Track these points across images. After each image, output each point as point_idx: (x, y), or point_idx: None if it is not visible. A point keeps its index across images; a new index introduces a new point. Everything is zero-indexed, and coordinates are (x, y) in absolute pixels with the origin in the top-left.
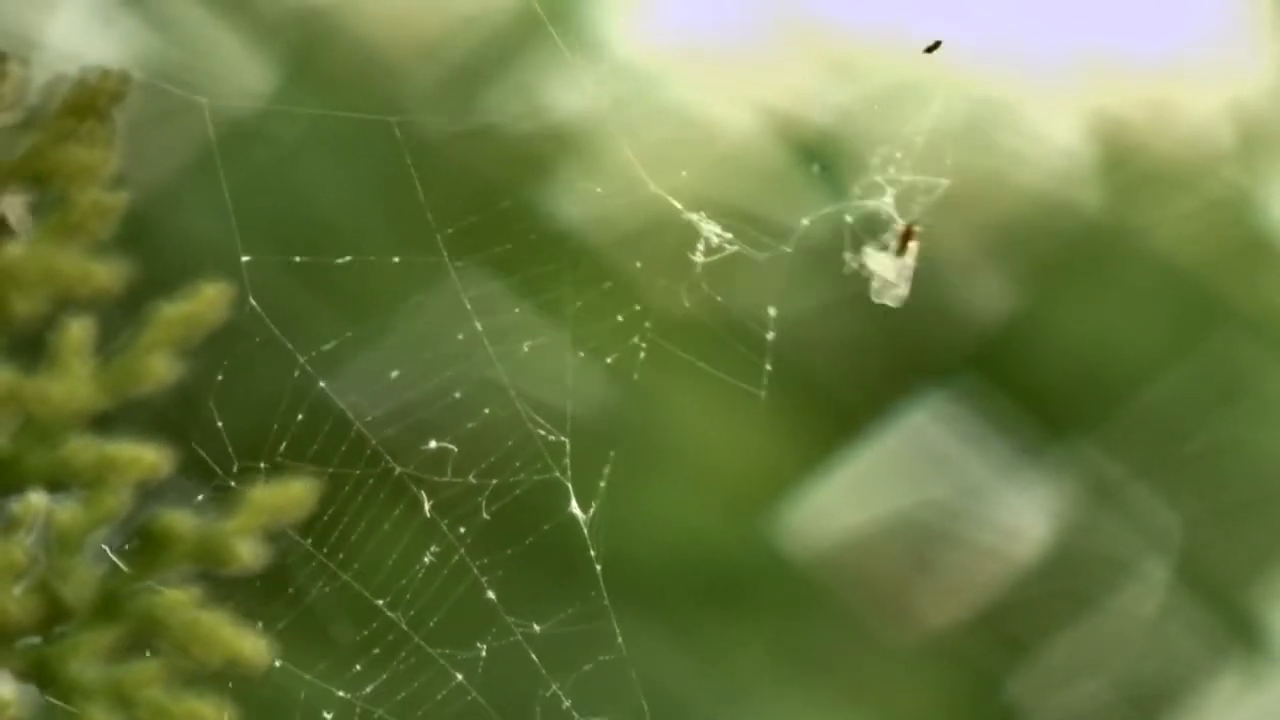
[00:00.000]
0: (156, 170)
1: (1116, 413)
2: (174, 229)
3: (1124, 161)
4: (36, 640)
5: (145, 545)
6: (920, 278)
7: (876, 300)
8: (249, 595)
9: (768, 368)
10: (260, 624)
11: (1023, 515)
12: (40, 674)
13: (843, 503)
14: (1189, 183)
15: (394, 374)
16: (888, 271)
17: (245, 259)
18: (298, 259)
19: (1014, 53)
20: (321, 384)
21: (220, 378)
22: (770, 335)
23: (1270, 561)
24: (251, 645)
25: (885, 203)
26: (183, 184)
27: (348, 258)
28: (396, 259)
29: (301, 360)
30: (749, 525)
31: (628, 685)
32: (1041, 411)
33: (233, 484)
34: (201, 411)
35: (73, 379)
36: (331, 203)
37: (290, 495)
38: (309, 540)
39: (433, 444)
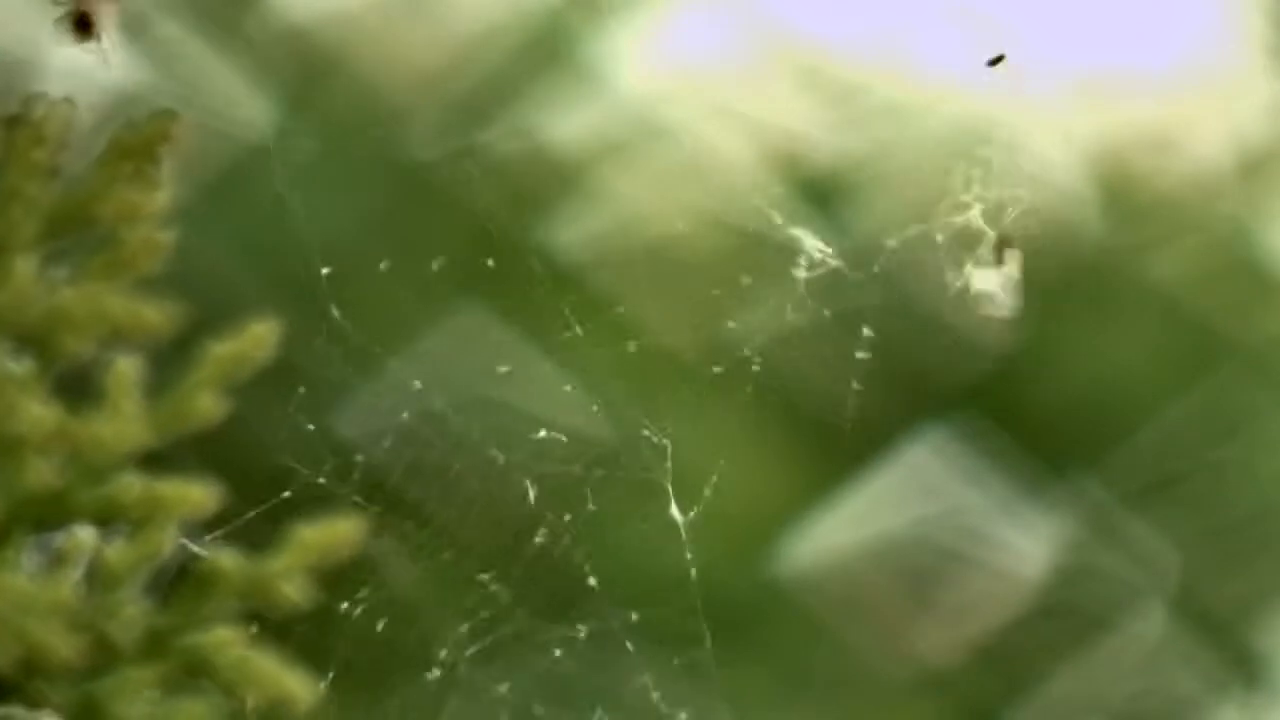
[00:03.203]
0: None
1: (1116, 448)
2: (184, 260)
3: (1124, 193)
4: (82, 679)
5: (191, 584)
6: (920, 311)
7: (983, 314)
8: (342, 569)
9: (855, 386)
10: (366, 589)
11: (1022, 551)
12: (85, 713)
13: (842, 538)
14: (1189, 215)
15: (502, 369)
16: (992, 285)
17: (325, 270)
18: (382, 266)
19: (1012, 78)
20: (417, 384)
21: (311, 428)
22: (861, 355)
23: (1270, 597)
24: (298, 684)
25: (973, 217)
26: (193, 213)
27: (440, 258)
28: (487, 261)
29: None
30: (750, 559)
31: (710, 685)
32: (1041, 447)
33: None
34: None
35: (121, 417)
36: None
37: (338, 534)
38: (410, 523)
39: (542, 433)
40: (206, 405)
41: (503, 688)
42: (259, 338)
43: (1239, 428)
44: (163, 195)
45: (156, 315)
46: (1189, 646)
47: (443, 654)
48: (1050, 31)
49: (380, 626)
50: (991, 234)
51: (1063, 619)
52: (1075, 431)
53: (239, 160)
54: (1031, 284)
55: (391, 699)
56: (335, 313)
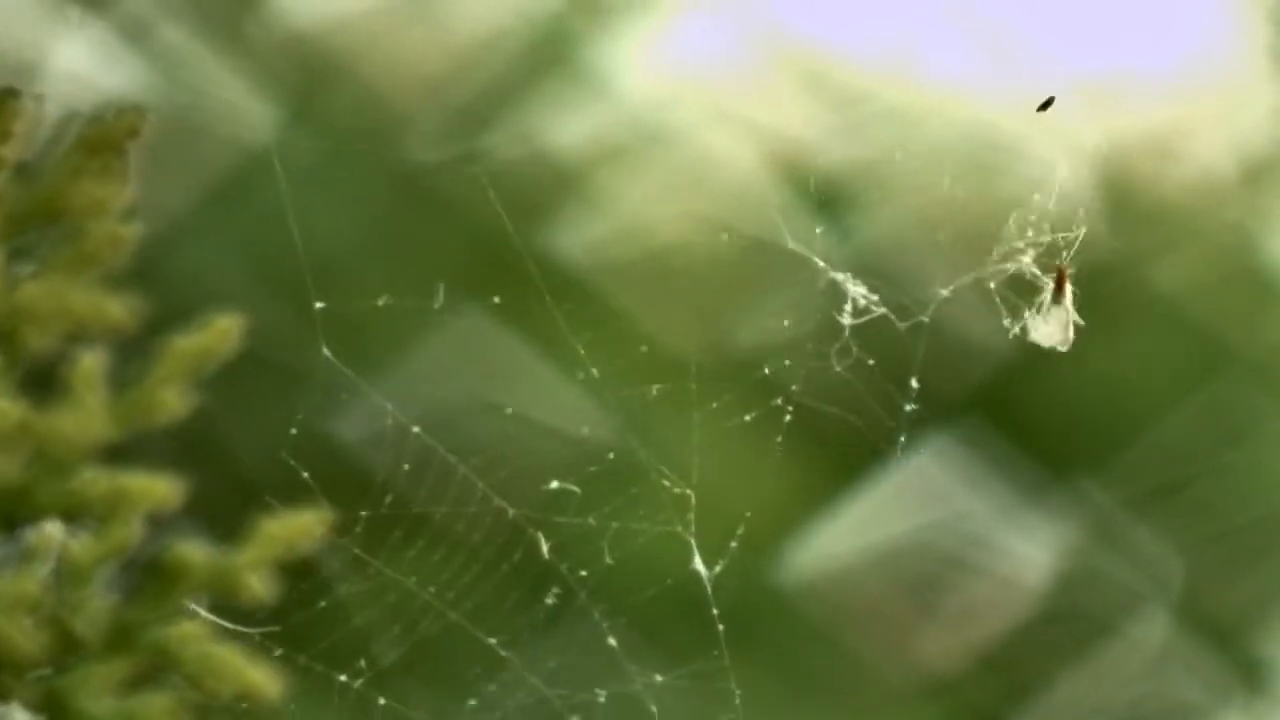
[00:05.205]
0: (172, 204)
1: (1119, 454)
2: (188, 264)
3: (1127, 199)
4: (48, 672)
5: (157, 577)
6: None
7: (1044, 344)
8: (350, 633)
9: (902, 440)
10: (363, 661)
11: (1025, 557)
12: (51, 707)
13: (845, 545)
14: (1193, 221)
15: (508, 410)
16: (1053, 330)
17: (320, 305)
18: (381, 302)
19: (1016, 86)
20: (415, 429)
21: (294, 431)
22: (910, 407)
23: (1274, 603)
24: (263, 677)
25: (1026, 263)
26: (197, 219)
27: (440, 299)
28: (497, 299)
29: (390, 408)
30: (752, 565)
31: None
32: (1044, 453)
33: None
34: (279, 462)
35: (85, 411)
36: (350, 242)
37: (301, 526)
38: (413, 579)
39: (554, 484)
40: (170, 399)
41: None
42: (223, 331)
43: (1242, 433)
44: (128, 190)
45: (120, 310)
46: (1192, 652)
47: None
48: (1053, 37)
49: (381, 700)
50: (1045, 278)
51: (1066, 625)
52: (1078, 437)
53: (241, 166)
54: (1035, 289)
55: None
56: (337, 317)
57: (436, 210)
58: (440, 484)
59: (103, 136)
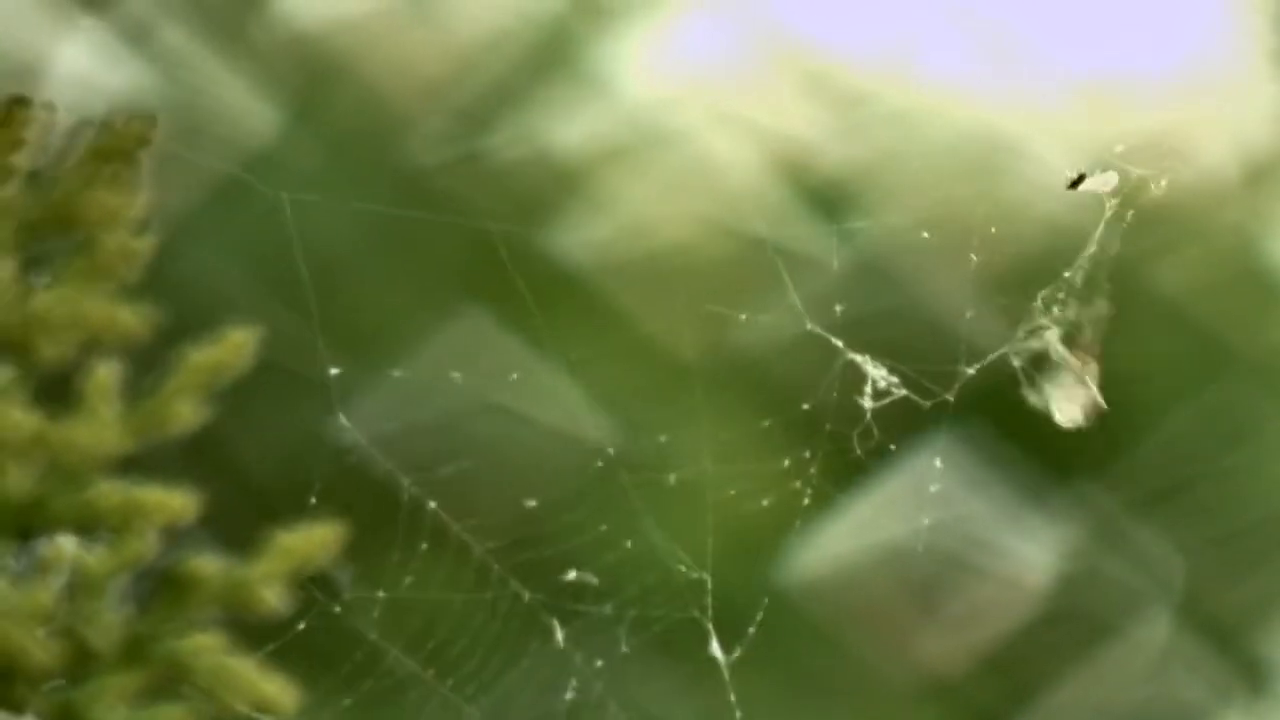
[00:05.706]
0: (174, 206)
1: (1122, 455)
2: (190, 266)
3: (1129, 202)
4: (62, 684)
5: (170, 589)
6: (925, 318)
7: (1066, 425)
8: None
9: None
10: None
11: (1027, 558)
12: (66, 719)
13: (848, 546)
14: (1194, 224)
15: (530, 503)
16: (1075, 410)
17: (334, 371)
18: (396, 373)
19: (1017, 87)
20: (432, 504)
21: (313, 500)
22: (934, 488)
23: (1275, 604)
24: (277, 689)
25: (1050, 338)
26: (199, 220)
27: (457, 375)
28: (514, 375)
29: (407, 483)
30: (754, 567)
31: None
32: (1046, 455)
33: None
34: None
35: (99, 423)
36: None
37: (317, 540)
38: (431, 671)
39: (572, 574)
40: (185, 412)
41: None
42: (238, 345)
43: (1244, 435)
44: (140, 198)
45: (134, 319)
46: (1194, 653)
47: None
48: (1054, 38)
49: None
50: (1068, 355)
51: (1068, 626)
52: (1080, 439)
53: (244, 167)
54: (1035, 291)
55: None
56: (339, 319)
57: (438, 211)
58: (458, 567)
59: (114, 145)
